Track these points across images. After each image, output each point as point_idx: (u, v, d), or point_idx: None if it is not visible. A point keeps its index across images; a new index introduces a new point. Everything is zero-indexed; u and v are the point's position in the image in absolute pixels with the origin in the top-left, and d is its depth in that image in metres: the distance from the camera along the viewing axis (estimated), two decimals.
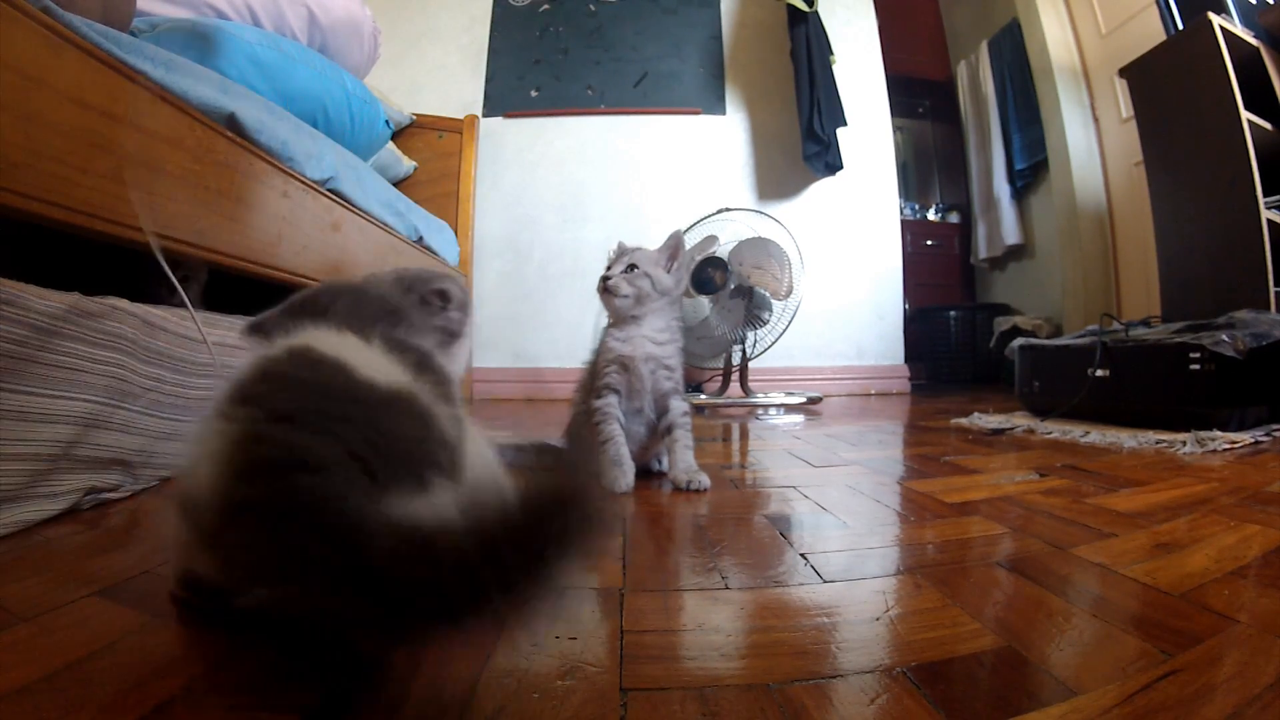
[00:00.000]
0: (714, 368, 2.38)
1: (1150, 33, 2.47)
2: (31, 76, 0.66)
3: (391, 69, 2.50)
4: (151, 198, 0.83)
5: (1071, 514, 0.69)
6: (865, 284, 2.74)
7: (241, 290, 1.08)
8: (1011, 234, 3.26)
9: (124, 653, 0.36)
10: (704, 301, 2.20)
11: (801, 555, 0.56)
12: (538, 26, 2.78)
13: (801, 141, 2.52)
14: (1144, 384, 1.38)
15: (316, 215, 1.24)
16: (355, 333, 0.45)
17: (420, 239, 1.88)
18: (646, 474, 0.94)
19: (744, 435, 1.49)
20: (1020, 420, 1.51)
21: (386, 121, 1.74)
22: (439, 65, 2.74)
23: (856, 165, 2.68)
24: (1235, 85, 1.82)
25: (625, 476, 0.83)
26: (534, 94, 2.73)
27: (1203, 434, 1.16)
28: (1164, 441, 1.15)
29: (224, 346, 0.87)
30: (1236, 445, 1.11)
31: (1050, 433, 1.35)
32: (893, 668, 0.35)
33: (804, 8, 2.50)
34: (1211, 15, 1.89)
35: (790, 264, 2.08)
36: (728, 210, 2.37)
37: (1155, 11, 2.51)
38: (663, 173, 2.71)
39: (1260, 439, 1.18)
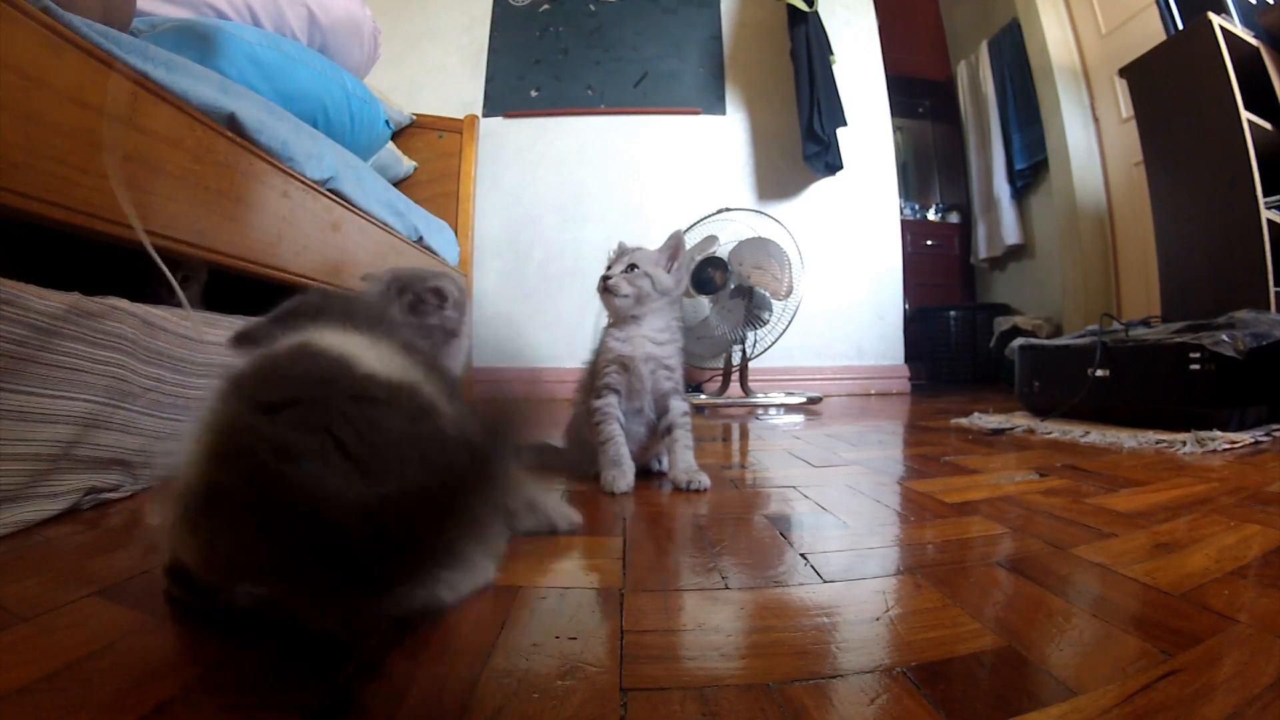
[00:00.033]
0: (714, 368, 2.38)
1: (1150, 33, 2.47)
2: (31, 76, 0.66)
3: (391, 69, 2.50)
4: (151, 198, 0.83)
5: (1071, 514, 0.69)
6: (865, 284, 2.74)
7: (242, 290, 1.08)
8: (1011, 234, 3.26)
9: (124, 653, 0.36)
10: (704, 301, 2.20)
11: (801, 555, 0.56)
12: (538, 26, 2.78)
13: (801, 141, 2.52)
14: (1144, 384, 1.38)
15: (316, 215, 1.24)
16: (361, 332, 0.46)
17: (420, 239, 1.88)
18: (646, 474, 0.94)
19: (744, 435, 1.49)
20: (1020, 420, 1.51)
21: (386, 121, 1.74)
22: (439, 65, 2.74)
23: (856, 165, 2.68)
24: (1235, 85, 1.82)
25: (625, 476, 0.83)
26: (534, 94, 2.73)
27: (1203, 434, 1.15)
28: (1164, 441, 1.15)
29: (223, 346, 0.87)
30: (1236, 445, 1.11)
31: (1050, 433, 1.35)
32: (893, 668, 0.35)
33: (804, 8, 2.50)
34: (1211, 15, 1.89)
35: (790, 264, 2.08)
36: (728, 210, 2.37)
37: (1155, 11, 2.51)
38: (663, 173, 2.71)
39: (1260, 439, 1.18)
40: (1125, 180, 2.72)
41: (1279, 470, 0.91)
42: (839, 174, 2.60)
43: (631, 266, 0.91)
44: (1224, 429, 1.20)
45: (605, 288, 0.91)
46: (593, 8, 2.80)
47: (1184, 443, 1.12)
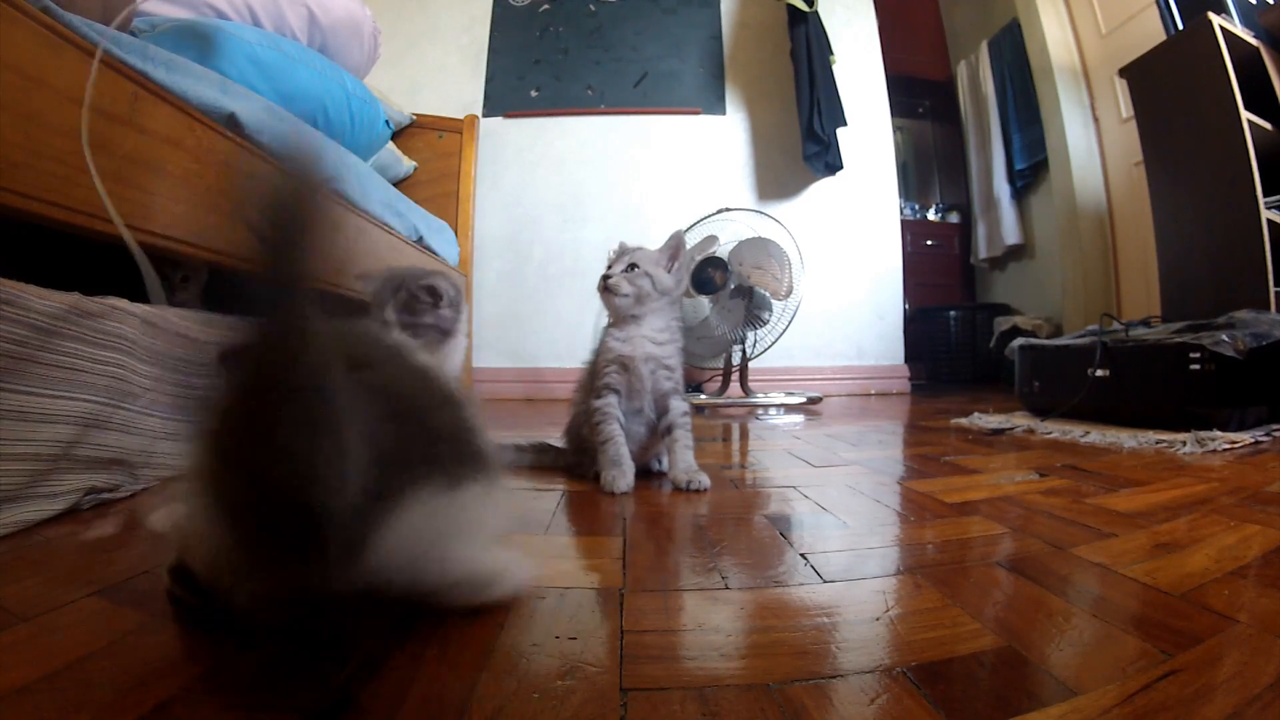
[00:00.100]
0: (714, 368, 2.38)
1: (1150, 33, 2.47)
2: (31, 76, 0.66)
3: (391, 69, 2.50)
4: (152, 198, 0.83)
5: (1071, 514, 0.69)
6: (865, 284, 2.74)
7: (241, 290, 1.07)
8: (1011, 234, 3.26)
9: (124, 653, 0.36)
10: (704, 301, 2.20)
11: (801, 555, 0.56)
12: (538, 26, 2.78)
13: (801, 141, 2.52)
14: (1144, 384, 1.38)
15: None
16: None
17: (420, 239, 1.89)
18: (646, 474, 0.94)
19: (744, 435, 1.49)
20: (1020, 420, 1.51)
21: (386, 121, 1.74)
22: (439, 65, 2.74)
23: (856, 165, 2.68)
24: (1235, 85, 1.82)
25: (625, 476, 0.83)
26: (534, 94, 2.73)
27: (1203, 434, 1.16)
28: (1164, 441, 1.15)
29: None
30: (1236, 445, 1.11)
31: (1050, 433, 1.35)
32: (893, 668, 0.35)
33: (804, 8, 2.50)
34: (1211, 15, 1.89)
35: (790, 264, 2.08)
36: (728, 210, 2.37)
37: (1155, 11, 2.51)
38: (663, 173, 2.71)
39: (1260, 439, 1.18)
40: (1125, 180, 2.72)
41: (1279, 470, 0.91)
42: (839, 174, 2.60)
43: (632, 266, 0.91)
44: (1224, 429, 1.20)
45: (605, 287, 0.91)
46: (593, 8, 2.80)
47: (1184, 443, 1.12)
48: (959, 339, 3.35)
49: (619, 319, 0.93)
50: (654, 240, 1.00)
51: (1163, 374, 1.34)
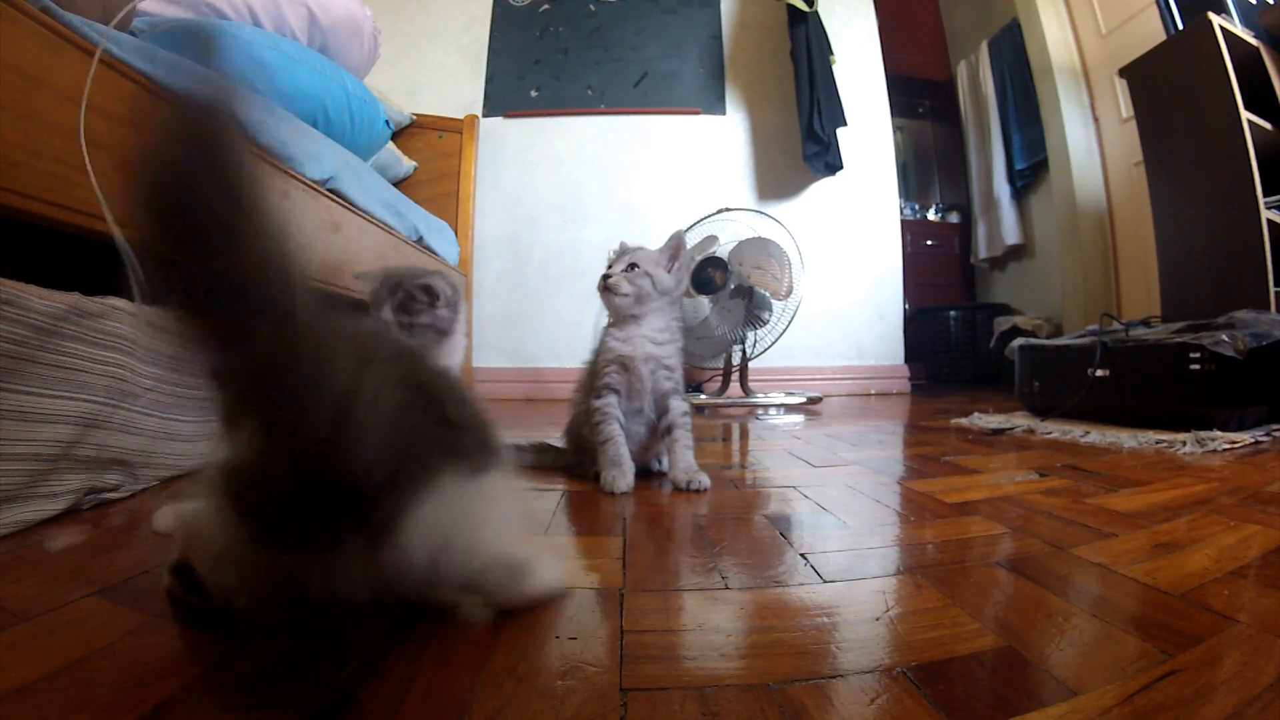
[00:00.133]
0: (714, 368, 2.38)
1: (1150, 33, 2.47)
2: (31, 76, 0.66)
3: (391, 69, 2.50)
4: None
5: (1071, 514, 0.69)
6: (865, 284, 2.74)
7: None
8: (1011, 234, 3.26)
9: (124, 653, 0.36)
10: (704, 301, 2.20)
11: (801, 555, 0.56)
12: (538, 26, 2.78)
13: (801, 141, 2.52)
14: (1144, 384, 1.38)
15: (317, 215, 1.24)
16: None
17: (420, 239, 1.89)
18: (646, 474, 0.94)
19: (744, 435, 1.49)
20: (1020, 420, 1.51)
21: (386, 121, 1.74)
22: (439, 65, 2.74)
23: (856, 165, 2.68)
24: (1235, 85, 1.82)
25: (625, 476, 0.83)
26: (534, 94, 2.73)
27: (1203, 434, 1.16)
28: (1164, 441, 1.15)
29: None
30: (1236, 445, 1.11)
31: (1050, 433, 1.35)
32: (893, 668, 0.35)
33: (804, 8, 2.50)
34: (1211, 15, 1.89)
35: (790, 264, 2.08)
36: (728, 210, 2.37)
37: (1155, 11, 2.51)
38: (663, 173, 2.71)
39: (1260, 439, 1.18)
40: (1125, 180, 2.72)
41: (1279, 470, 0.91)
42: (839, 174, 2.60)
43: (632, 266, 0.91)
44: (1224, 429, 1.20)
45: (605, 286, 0.91)
46: (593, 8, 2.80)
47: (1184, 443, 1.12)
48: (959, 339, 3.35)
49: (619, 319, 0.93)
50: (654, 240, 1.00)
51: (1163, 374, 1.34)
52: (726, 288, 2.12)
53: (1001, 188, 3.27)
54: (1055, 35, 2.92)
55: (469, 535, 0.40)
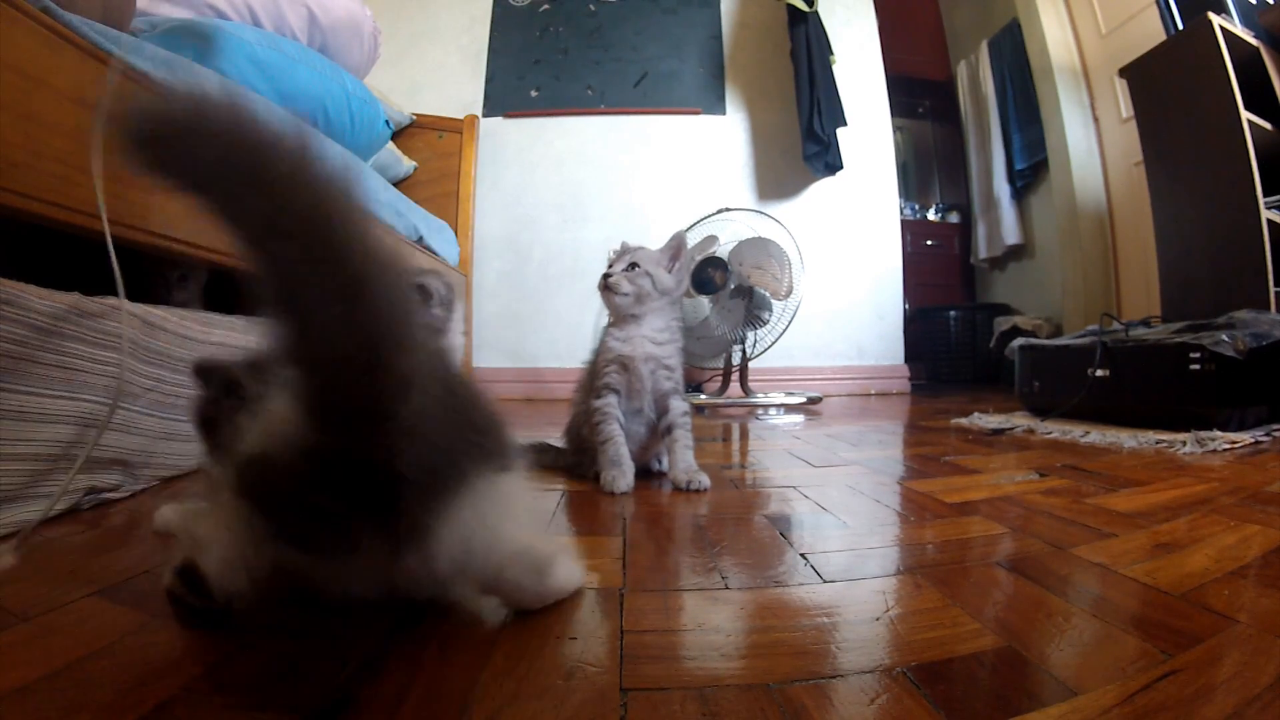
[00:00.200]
0: (714, 368, 2.38)
1: (1150, 33, 2.47)
2: (31, 76, 0.66)
3: (391, 69, 2.50)
4: (151, 197, 0.82)
5: (1071, 514, 0.69)
6: (865, 284, 2.74)
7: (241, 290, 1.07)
8: (1011, 234, 3.26)
9: (124, 653, 0.36)
10: (704, 301, 2.20)
11: (801, 555, 0.56)
12: (538, 26, 2.78)
13: (801, 141, 2.52)
14: (1144, 384, 1.38)
15: None
16: None
17: (420, 239, 1.89)
18: (646, 474, 0.94)
19: (744, 435, 1.49)
20: (1020, 420, 1.51)
21: (386, 121, 1.74)
22: (439, 65, 2.74)
23: (856, 165, 2.68)
24: (1235, 85, 1.82)
25: (625, 476, 0.83)
26: (534, 94, 2.73)
27: (1203, 434, 1.16)
28: (1164, 441, 1.15)
29: (224, 347, 0.87)
30: (1236, 445, 1.11)
31: (1050, 433, 1.35)
32: (893, 668, 0.35)
33: (804, 8, 2.50)
34: (1211, 15, 1.89)
35: (790, 264, 2.08)
36: (728, 210, 2.37)
37: (1155, 11, 2.51)
38: (663, 173, 2.71)
39: (1260, 439, 1.18)
40: (1125, 180, 2.72)
41: (1279, 470, 0.91)
42: (839, 174, 2.60)
43: (633, 265, 0.91)
44: (1224, 429, 1.20)
45: (605, 285, 0.91)
46: (593, 8, 2.80)
47: (1184, 443, 1.12)
48: (959, 339, 3.35)
49: (619, 318, 0.93)
50: (654, 240, 1.00)
51: (1163, 374, 1.34)
52: (726, 288, 2.12)
53: (1001, 188, 3.27)
54: (1055, 35, 2.92)
55: (491, 537, 0.40)
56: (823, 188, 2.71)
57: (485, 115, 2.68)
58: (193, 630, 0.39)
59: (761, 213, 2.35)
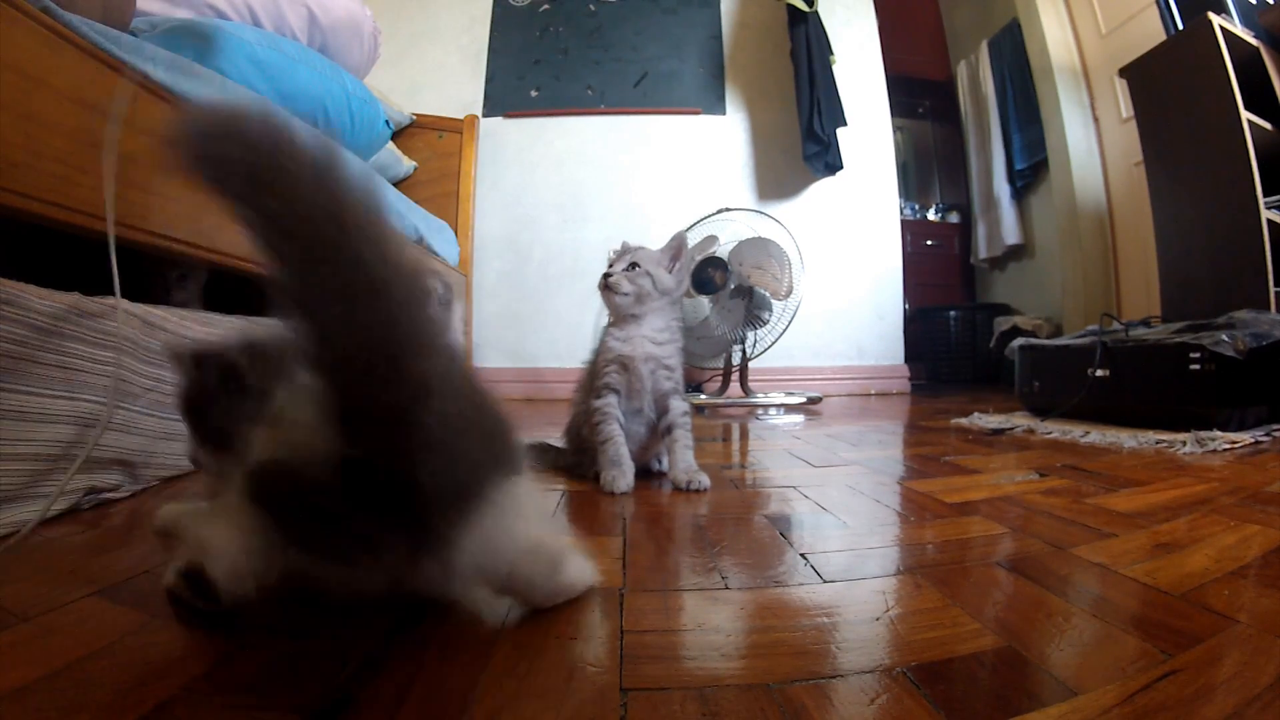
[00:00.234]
0: (714, 368, 2.38)
1: (1150, 33, 2.47)
2: (31, 76, 0.66)
3: (391, 69, 2.50)
4: (151, 198, 0.83)
5: (1071, 514, 0.69)
6: (865, 284, 2.74)
7: (241, 290, 1.08)
8: (1011, 234, 3.26)
9: (124, 653, 0.36)
10: (704, 301, 2.20)
11: (801, 555, 0.56)
12: (538, 26, 2.78)
13: (801, 141, 2.52)
14: (1144, 384, 1.38)
15: None
16: None
17: (420, 239, 1.89)
18: (646, 474, 0.94)
19: (744, 435, 1.49)
20: (1020, 420, 1.51)
21: (386, 121, 1.74)
22: (439, 65, 2.73)
23: (856, 165, 2.68)
24: (1235, 85, 1.82)
25: (625, 476, 0.83)
26: (534, 94, 2.73)
27: (1203, 434, 1.15)
28: (1164, 441, 1.15)
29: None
30: (1236, 445, 1.11)
31: (1050, 433, 1.35)
32: (893, 668, 0.35)
33: (804, 8, 2.50)
34: (1211, 15, 1.89)
35: (790, 264, 2.08)
36: (728, 210, 2.37)
37: (1155, 11, 2.51)
38: (663, 173, 2.71)
39: (1260, 439, 1.18)
40: (1125, 180, 2.72)
41: (1279, 470, 0.91)
42: (839, 174, 2.60)
43: (633, 265, 0.91)
44: (1224, 429, 1.20)
45: (606, 285, 0.91)
46: (593, 8, 2.80)
47: (1184, 443, 1.12)
48: (959, 339, 3.35)
49: (619, 318, 0.93)
50: (654, 240, 1.00)
51: (1163, 374, 1.34)
52: (726, 288, 2.12)
53: (1001, 188, 3.27)
54: (1055, 35, 2.92)
55: (506, 538, 0.40)
56: (823, 188, 2.71)
57: (485, 115, 2.68)
58: (193, 630, 0.39)
59: (761, 213, 2.35)
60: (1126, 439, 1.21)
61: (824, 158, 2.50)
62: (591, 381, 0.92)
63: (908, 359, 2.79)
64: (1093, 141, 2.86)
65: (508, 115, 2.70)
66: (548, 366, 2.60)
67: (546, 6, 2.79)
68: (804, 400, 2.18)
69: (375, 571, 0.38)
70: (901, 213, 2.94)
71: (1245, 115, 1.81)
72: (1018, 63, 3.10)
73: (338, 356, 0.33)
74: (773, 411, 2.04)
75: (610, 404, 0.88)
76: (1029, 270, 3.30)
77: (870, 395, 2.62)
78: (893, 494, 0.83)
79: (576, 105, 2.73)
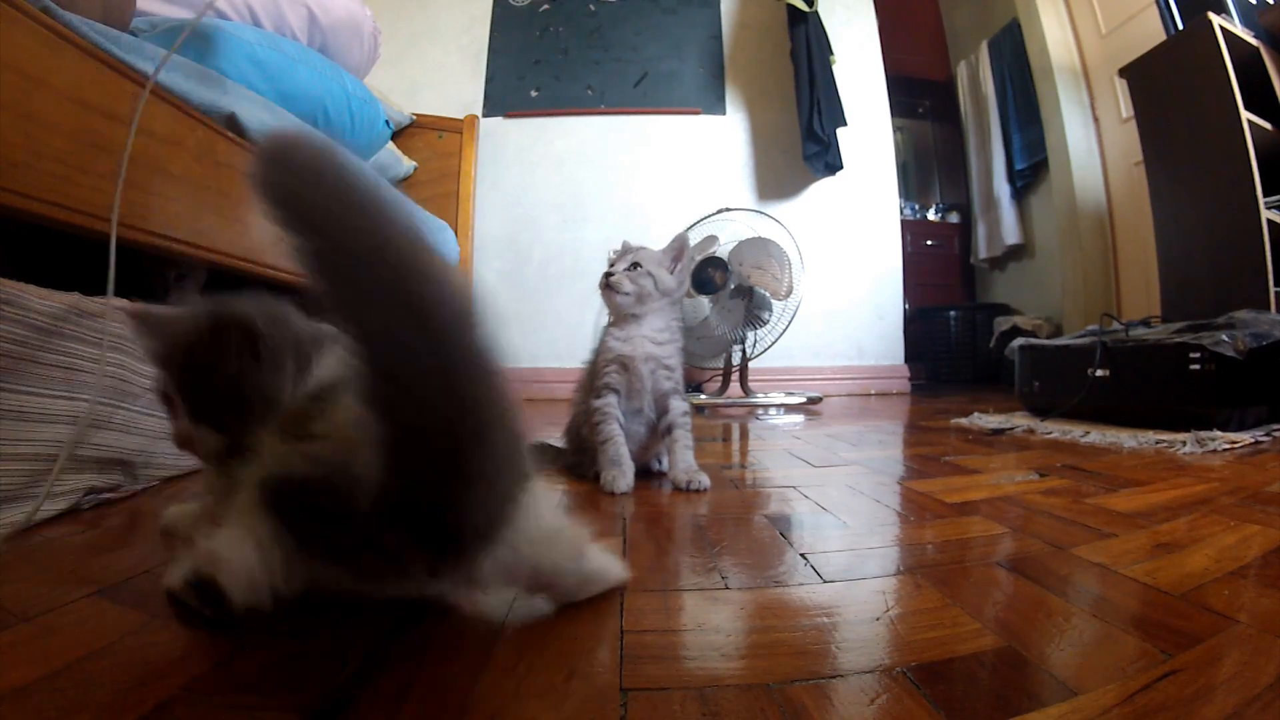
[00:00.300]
0: (714, 368, 2.38)
1: (1150, 33, 2.47)
2: (31, 76, 0.66)
3: (391, 69, 2.50)
4: (151, 198, 0.83)
5: (1071, 514, 0.69)
6: (865, 284, 2.74)
7: (240, 290, 1.07)
8: (1011, 234, 3.26)
9: (124, 653, 0.36)
10: (704, 301, 2.20)
11: (801, 555, 0.56)
12: (538, 26, 2.78)
13: (801, 141, 2.52)
14: (1144, 384, 1.38)
15: None
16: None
17: None
18: (646, 474, 0.94)
19: (744, 435, 1.49)
20: (1020, 420, 1.51)
21: (386, 121, 1.74)
22: (439, 65, 2.73)
23: (856, 165, 2.68)
24: (1235, 85, 1.82)
25: (625, 476, 0.83)
26: (534, 94, 2.73)
27: (1203, 434, 1.15)
28: (1164, 441, 1.15)
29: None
30: (1236, 445, 1.11)
31: (1050, 433, 1.35)
32: (893, 668, 0.35)
33: (804, 8, 2.50)
34: (1211, 15, 1.89)
35: (790, 264, 2.08)
36: (728, 210, 2.37)
37: (1155, 11, 2.51)
38: (663, 173, 2.71)
39: (1260, 439, 1.18)
40: (1125, 180, 2.72)
41: (1279, 470, 0.91)
42: (839, 174, 2.60)
43: (635, 265, 0.91)
44: (1224, 429, 1.20)
45: (607, 284, 0.91)
46: (593, 8, 2.80)
47: (1184, 443, 1.12)
48: (959, 339, 3.35)
49: (619, 318, 0.93)
50: (654, 240, 1.00)
51: (1163, 374, 1.34)
52: (726, 288, 2.12)
53: (1001, 188, 3.27)
54: (1055, 35, 2.92)
55: (525, 537, 0.40)
56: (823, 188, 2.71)
57: (485, 115, 2.68)
58: (193, 630, 0.39)
59: (761, 213, 2.35)
60: (1126, 439, 1.21)
61: (824, 158, 2.50)
62: (591, 381, 0.92)
63: (908, 359, 2.79)
64: (1093, 141, 2.87)
65: (508, 115, 2.71)
66: (548, 366, 2.60)
67: (546, 6, 2.79)
68: (804, 400, 2.18)
69: (397, 584, 0.38)
70: (901, 213, 2.94)
71: (1245, 115, 1.81)
72: (1018, 63, 3.11)
73: (395, 397, 0.32)
74: (773, 411, 2.04)
75: (610, 404, 0.88)
76: (1029, 270, 3.30)
77: (870, 395, 2.62)
78: (893, 494, 0.83)
79: (576, 105, 2.73)
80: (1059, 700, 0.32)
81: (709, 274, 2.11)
